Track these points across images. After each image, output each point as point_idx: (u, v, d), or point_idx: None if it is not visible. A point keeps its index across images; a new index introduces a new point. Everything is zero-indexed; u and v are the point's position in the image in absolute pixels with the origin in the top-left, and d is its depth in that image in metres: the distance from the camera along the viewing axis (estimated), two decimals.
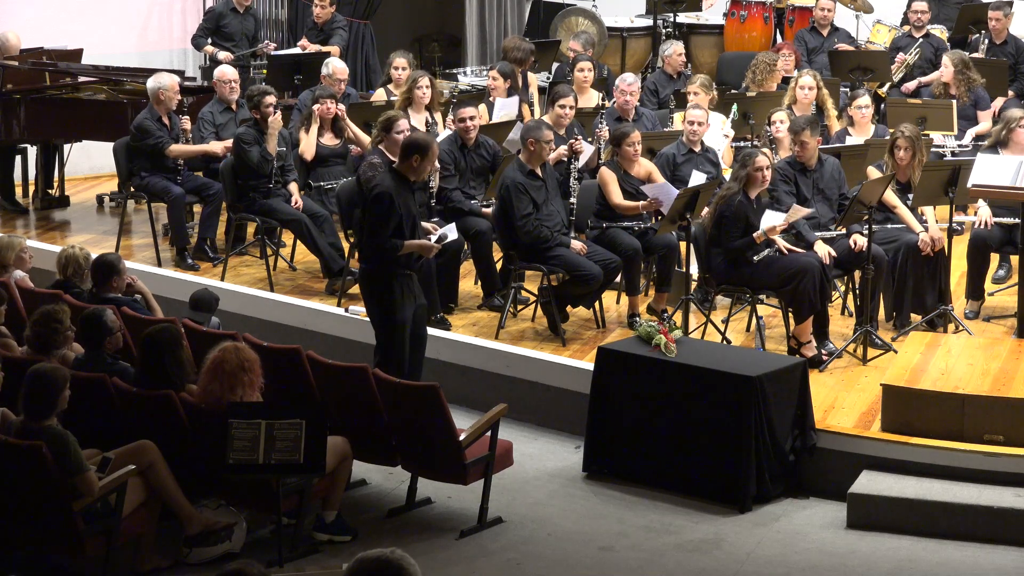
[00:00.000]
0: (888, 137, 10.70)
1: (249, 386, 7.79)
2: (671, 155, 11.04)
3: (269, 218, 11.41)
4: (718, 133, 11.73)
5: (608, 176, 10.51)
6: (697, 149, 11.08)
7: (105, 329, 8.30)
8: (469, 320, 10.70)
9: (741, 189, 9.77)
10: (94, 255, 9.66)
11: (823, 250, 9.81)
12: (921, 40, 14.24)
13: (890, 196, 10.25)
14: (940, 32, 14.83)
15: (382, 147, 10.71)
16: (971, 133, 12.65)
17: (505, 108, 12.50)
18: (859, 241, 9.98)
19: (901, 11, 14.90)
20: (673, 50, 13.78)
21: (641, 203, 10.36)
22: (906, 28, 14.53)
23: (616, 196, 10.46)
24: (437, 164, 9.91)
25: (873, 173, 10.46)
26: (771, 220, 9.74)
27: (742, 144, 12.04)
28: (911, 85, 13.90)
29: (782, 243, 9.82)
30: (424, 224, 9.68)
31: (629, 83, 12.12)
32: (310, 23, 14.77)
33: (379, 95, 12.89)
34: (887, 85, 13.98)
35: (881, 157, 10.62)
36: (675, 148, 11.09)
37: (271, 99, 11.42)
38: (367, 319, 10.26)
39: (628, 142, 10.49)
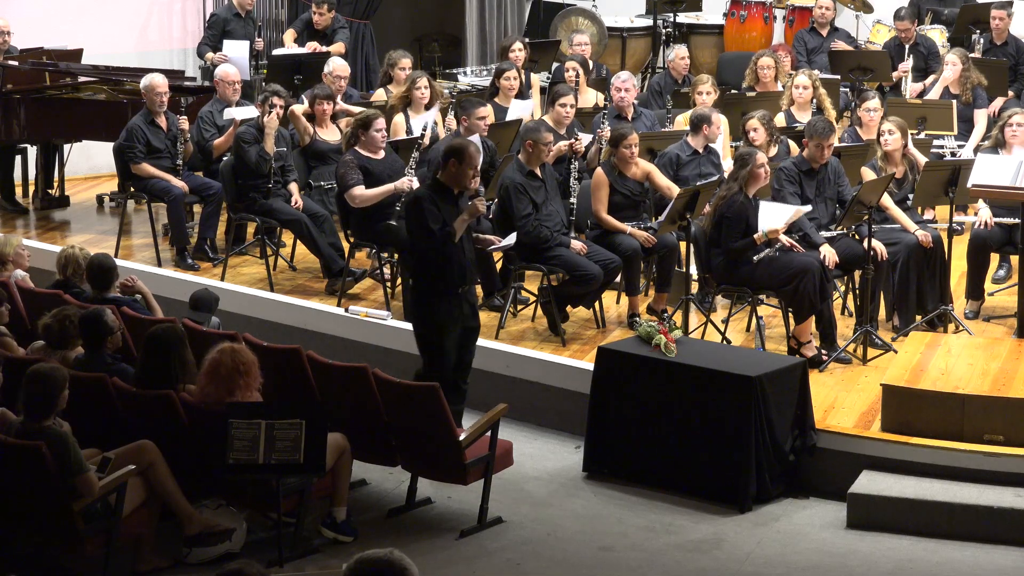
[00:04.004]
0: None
1: (246, 388, 7.78)
2: (675, 155, 11.03)
3: (269, 218, 11.41)
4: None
5: (599, 182, 10.49)
6: (701, 150, 11.06)
7: (106, 328, 8.31)
8: None
9: (740, 189, 9.76)
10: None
11: (830, 254, 9.79)
12: (909, 49, 14.24)
13: (884, 197, 10.23)
14: (940, 32, 14.83)
15: (358, 147, 10.69)
16: (972, 143, 12.60)
17: (524, 111, 12.44)
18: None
19: None
20: (675, 54, 13.79)
21: (628, 228, 10.38)
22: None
23: (601, 206, 10.45)
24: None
25: (867, 174, 10.45)
26: (770, 221, 9.73)
27: (740, 144, 12.04)
28: (917, 87, 13.86)
29: (787, 239, 9.78)
30: (483, 236, 9.84)
31: (624, 80, 12.10)
32: (300, 25, 14.73)
33: (379, 95, 12.88)
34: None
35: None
36: (679, 148, 11.07)
37: (275, 100, 11.41)
38: (367, 319, 10.30)
39: (625, 144, 10.47)
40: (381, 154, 10.78)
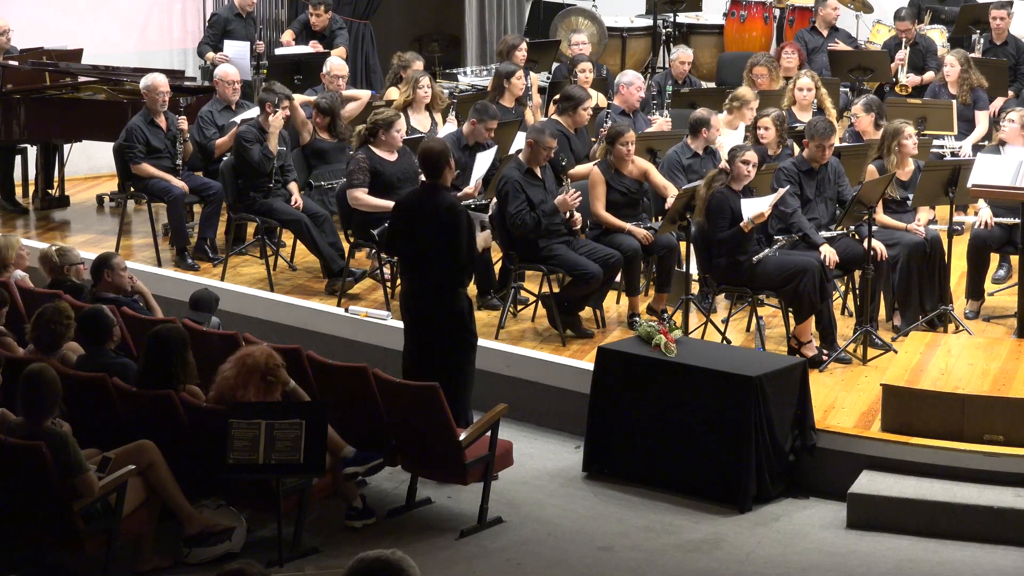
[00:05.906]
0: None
1: (262, 390, 7.79)
2: (676, 158, 11.01)
3: (269, 218, 11.40)
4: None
5: (596, 180, 10.48)
6: (702, 152, 11.05)
7: (108, 323, 8.32)
8: None
9: (724, 183, 9.77)
10: (92, 255, 9.66)
11: (830, 254, 9.79)
12: (908, 47, 14.25)
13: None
14: (940, 32, 14.83)
15: (372, 146, 10.64)
16: (969, 142, 12.62)
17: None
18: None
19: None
20: (677, 56, 13.81)
21: (628, 225, 10.37)
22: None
23: (599, 204, 10.44)
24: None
25: (873, 172, 10.44)
26: (755, 207, 9.73)
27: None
28: (915, 79, 13.88)
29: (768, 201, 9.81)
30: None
31: (642, 80, 12.26)
32: (298, 27, 14.72)
33: (391, 94, 12.78)
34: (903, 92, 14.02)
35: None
36: (680, 149, 11.05)
37: (286, 103, 11.39)
38: (367, 319, 10.29)
39: (622, 141, 10.46)
40: (395, 155, 10.75)
